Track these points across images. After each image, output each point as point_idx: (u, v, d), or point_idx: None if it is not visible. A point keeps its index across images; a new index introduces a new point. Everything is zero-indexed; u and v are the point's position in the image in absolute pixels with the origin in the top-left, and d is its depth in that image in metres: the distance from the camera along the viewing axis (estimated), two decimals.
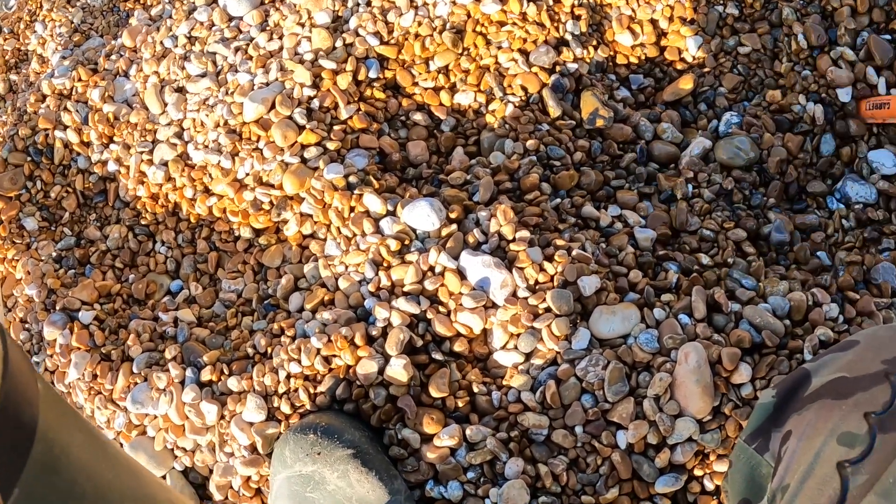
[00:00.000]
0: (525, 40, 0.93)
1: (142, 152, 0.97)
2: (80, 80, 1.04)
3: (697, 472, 0.74)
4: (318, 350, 0.78)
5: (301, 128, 0.90)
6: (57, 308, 0.90)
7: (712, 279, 0.82)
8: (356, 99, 0.93)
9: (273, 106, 0.91)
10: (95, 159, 1.00)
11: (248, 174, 0.91)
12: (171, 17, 1.06)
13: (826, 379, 0.55)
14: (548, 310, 0.77)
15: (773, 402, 0.58)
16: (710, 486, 0.74)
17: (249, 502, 0.82)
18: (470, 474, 0.74)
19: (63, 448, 0.44)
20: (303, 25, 0.97)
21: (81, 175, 1.01)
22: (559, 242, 0.81)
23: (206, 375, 0.82)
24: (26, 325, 0.92)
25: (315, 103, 0.91)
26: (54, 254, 0.97)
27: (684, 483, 0.74)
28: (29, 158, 1.02)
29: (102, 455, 0.49)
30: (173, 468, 0.85)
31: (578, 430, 0.74)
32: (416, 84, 0.95)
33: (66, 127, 1.02)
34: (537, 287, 0.78)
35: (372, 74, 0.94)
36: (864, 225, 0.91)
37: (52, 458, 0.43)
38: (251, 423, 0.79)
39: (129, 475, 0.51)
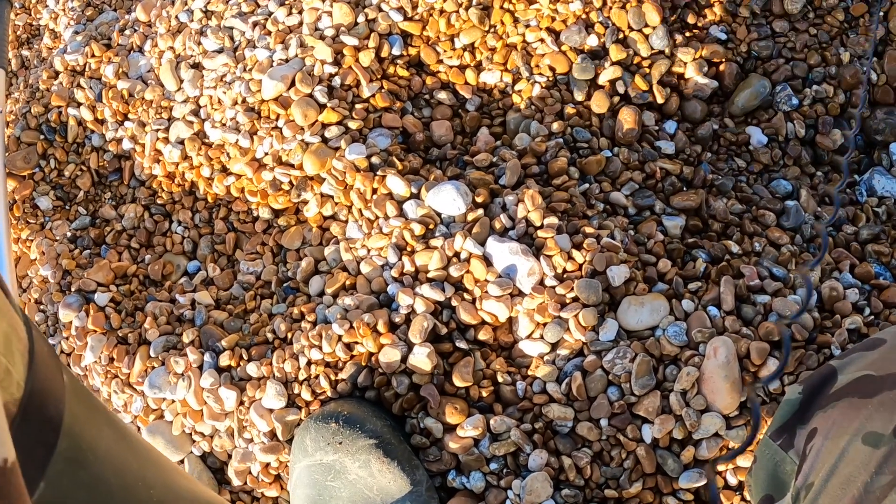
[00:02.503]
0: (553, 19, 0.90)
1: (157, 130, 0.95)
2: (93, 55, 1.01)
3: (720, 467, 0.73)
4: (340, 337, 0.77)
5: (322, 106, 0.88)
6: (72, 289, 0.89)
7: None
8: (379, 76, 0.91)
9: (293, 83, 0.89)
10: (110, 137, 0.98)
11: (266, 153, 0.89)
12: None
13: (852, 377, 0.54)
14: (575, 299, 0.75)
15: (799, 398, 0.57)
16: (733, 481, 0.73)
17: (268, 488, 0.81)
18: (493, 465, 0.73)
19: (89, 442, 0.44)
20: (323, 0, 0.94)
21: (96, 153, 0.99)
22: (588, 230, 0.79)
23: (224, 360, 0.81)
24: (41, 307, 0.91)
25: (336, 81, 0.89)
26: (69, 233, 0.95)
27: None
28: (42, 136, 1.00)
29: (129, 448, 0.49)
30: (191, 453, 0.84)
31: (604, 422, 0.73)
32: (440, 62, 0.93)
33: (79, 104, 1.00)
34: (565, 276, 0.77)
35: (395, 51, 0.91)
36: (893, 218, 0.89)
37: (78, 453, 0.42)
38: (271, 410, 0.78)
39: (154, 468, 0.51)
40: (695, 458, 0.72)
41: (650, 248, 0.81)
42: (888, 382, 0.51)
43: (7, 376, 0.37)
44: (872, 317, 0.77)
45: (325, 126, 0.87)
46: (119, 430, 0.49)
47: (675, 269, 0.80)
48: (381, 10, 0.92)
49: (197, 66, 0.96)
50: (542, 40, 0.90)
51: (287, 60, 0.91)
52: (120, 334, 0.86)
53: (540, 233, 0.78)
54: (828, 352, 0.74)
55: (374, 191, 0.83)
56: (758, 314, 0.76)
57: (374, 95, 0.89)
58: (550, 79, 0.90)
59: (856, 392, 0.53)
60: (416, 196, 0.82)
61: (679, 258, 0.82)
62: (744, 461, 0.72)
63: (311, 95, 0.88)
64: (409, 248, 0.80)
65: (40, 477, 0.39)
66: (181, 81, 0.96)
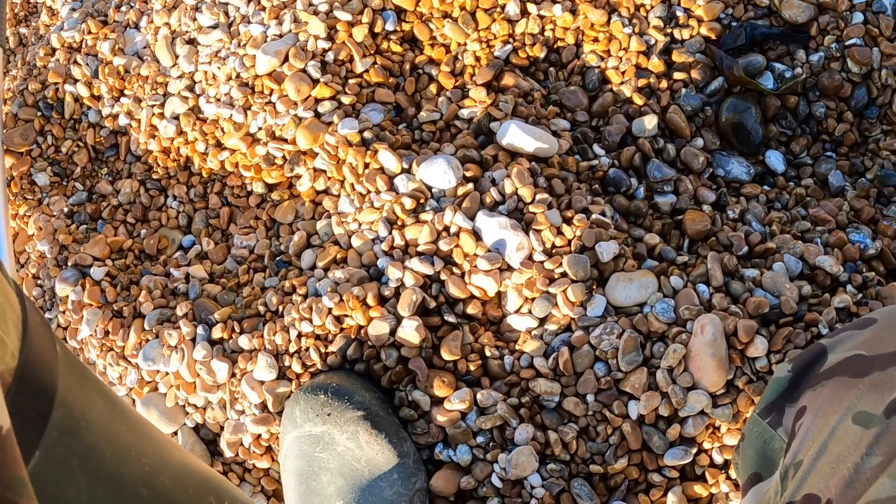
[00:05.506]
0: None
1: (153, 106, 0.95)
2: (89, 32, 1.01)
3: (707, 445, 0.73)
4: (330, 310, 0.77)
5: (315, 81, 0.88)
6: (69, 264, 0.90)
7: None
8: (372, 52, 0.91)
9: (286, 59, 0.89)
10: (106, 113, 0.99)
11: (260, 128, 0.89)
12: None
13: (843, 356, 0.54)
14: (564, 275, 0.76)
15: (788, 376, 0.57)
16: (719, 459, 0.73)
17: (259, 460, 0.82)
18: (479, 439, 0.74)
19: (82, 412, 0.44)
20: None
21: (92, 129, 0.99)
22: (578, 205, 0.79)
23: (217, 333, 0.82)
24: (39, 282, 0.92)
25: (330, 56, 0.89)
26: (66, 209, 0.96)
27: (693, 455, 0.73)
28: (39, 113, 1.01)
29: (121, 418, 0.49)
30: (184, 424, 0.85)
31: (590, 398, 0.73)
32: (434, 38, 0.92)
33: (76, 81, 1.00)
34: (554, 251, 0.77)
35: (389, 27, 0.91)
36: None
37: (71, 422, 0.43)
38: (262, 382, 0.79)
39: (145, 438, 0.52)
40: (680, 436, 0.73)
41: (640, 223, 0.81)
42: (879, 362, 0.51)
43: (1, 346, 0.38)
44: (861, 295, 0.76)
45: (318, 101, 0.87)
46: (111, 401, 0.50)
47: (663, 243, 0.80)
48: None
49: (192, 42, 0.97)
50: None
51: (281, 36, 0.91)
52: (115, 308, 0.87)
53: (530, 207, 0.78)
54: (815, 330, 0.73)
55: (366, 165, 0.84)
56: (746, 291, 0.76)
57: (367, 71, 0.89)
58: None
59: (847, 371, 0.53)
60: (408, 171, 0.82)
61: (668, 234, 0.82)
62: (730, 439, 0.72)
63: (304, 70, 0.88)
64: (399, 222, 0.80)
65: (35, 446, 0.39)
66: (176, 57, 0.96)
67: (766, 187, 0.88)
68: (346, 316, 0.77)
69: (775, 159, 0.89)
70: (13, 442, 0.31)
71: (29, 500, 0.30)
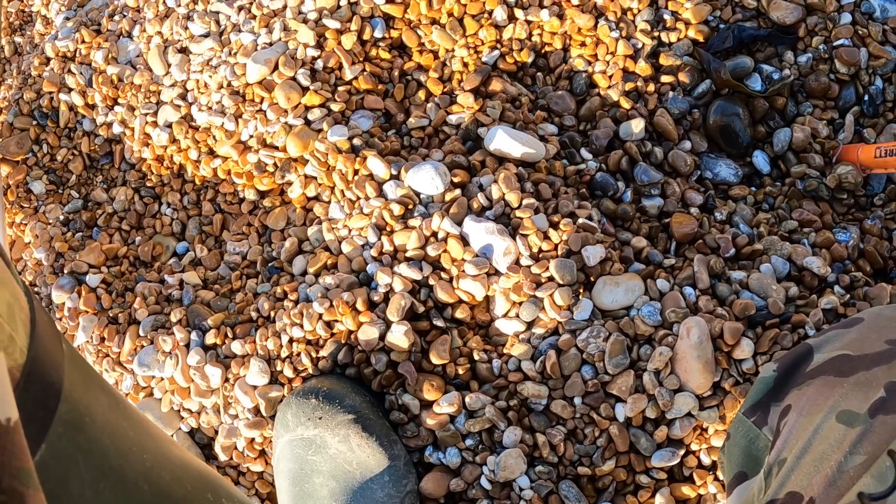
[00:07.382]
0: None
1: (146, 114, 0.96)
2: (83, 41, 1.03)
3: (694, 447, 0.73)
4: (321, 315, 0.78)
5: (305, 89, 0.89)
6: (65, 272, 0.91)
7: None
8: (361, 59, 0.91)
9: (276, 67, 0.90)
10: (100, 121, 1.00)
11: (251, 136, 0.90)
12: None
13: (829, 356, 0.54)
14: (550, 279, 0.76)
15: (774, 375, 0.57)
16: (706, 460, 0.74)
17: (253, 463, 0.83)
18: (468, 441, 0.75)
19: (87, 408, 0.45)
20: None
21: (87, 137, 1.00)
22: (565, 209, 0.80)
23: (210, 339, 0.83)
24: (35, 289, 0.94)
25: (319, 64, 0.90)
26: (62, 217, 0.97)
27: (681, 457, 0.74)
28: (34, 122, 1.02)
29: (123, 415, 0.51)
30: (180, 429, 0.86)
31: (577, 401, 0.74)
32: (422, 44, 0.93)
33: (70, 89, 1.01)
34: (541, 255, 0.77)
35: (377, 34, 0.92)
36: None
37: (77, 418, 0.44)
38: (255, 387, 0.80)
39: (146, 435, 0.53)
40: (668, 438, 0.73)
41: (627, 226, 0.82)
42: (865, 362, 0.51)
43: (11, 343, 0.39)
44: (848, 296, 0.77)
45: (308, 108, 0.88)
46: (114, 398, 0.51)
47: (649, 246, 0.80)
48: None
49: (184, 51, 0.98)
50: None
51: (271, 44, 0.92)
52: (111, 314, 0.88)
53: (517, 212, 0.79)
54: (802, 331, 0.74)
55: (356, 172, 0.85)
56: (733, 293, 0.76)
57: (356, 78, 0.90)
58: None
59: (832, 370, 0.53)
60: (396, 177, 0.83)
61: (656, 236, 0.83)
62: (717, 440, 0.73)
63: (294, 78, 0.89)
64: (388, 228, 0.81)
65: (42, 439, 0.41)
66: (169, 66, 0.97)
67: (753, 188, 0.89)
68: (337, 321, 0.78)
69: (762, 160, 0.89)
70: (21, 433, 0.32)
71: (35, 490, 0.31)
